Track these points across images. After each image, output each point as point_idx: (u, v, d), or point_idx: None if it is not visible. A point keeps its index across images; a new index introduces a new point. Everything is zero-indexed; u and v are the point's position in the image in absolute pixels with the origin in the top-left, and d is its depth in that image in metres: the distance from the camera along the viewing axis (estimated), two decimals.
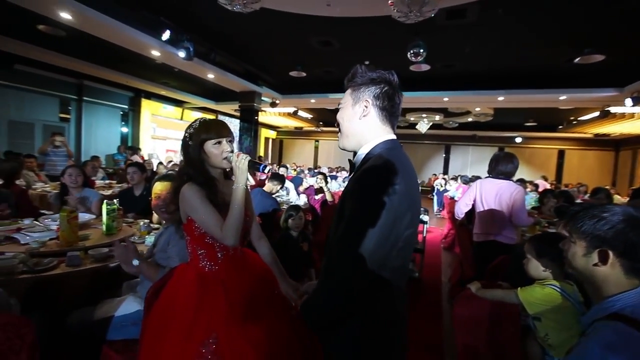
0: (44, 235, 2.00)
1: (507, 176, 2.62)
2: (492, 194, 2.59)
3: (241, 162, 1.18)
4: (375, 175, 0.82)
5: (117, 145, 8.56)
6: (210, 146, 1.24)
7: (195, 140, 1.24)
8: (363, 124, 0.94)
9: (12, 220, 2.36)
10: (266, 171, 1.21)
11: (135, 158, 6.97)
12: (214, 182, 1.27)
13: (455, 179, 9.24)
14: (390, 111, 0.94)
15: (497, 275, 1.89)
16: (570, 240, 0.87)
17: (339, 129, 1.00)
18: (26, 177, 4.42)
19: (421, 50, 5.18)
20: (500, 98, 7.34)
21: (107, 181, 5.28)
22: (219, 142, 1.24)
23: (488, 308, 1.47)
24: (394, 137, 0.95)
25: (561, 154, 13.34)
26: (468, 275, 3.09)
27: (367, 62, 1.03)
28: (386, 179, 0.80)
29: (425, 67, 6.29)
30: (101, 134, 8.53)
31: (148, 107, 9.59)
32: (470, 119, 10.59)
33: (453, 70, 6.71)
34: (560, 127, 11.32)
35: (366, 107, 0.92)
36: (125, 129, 9.39)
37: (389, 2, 3.91)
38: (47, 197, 3.76)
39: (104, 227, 2.21)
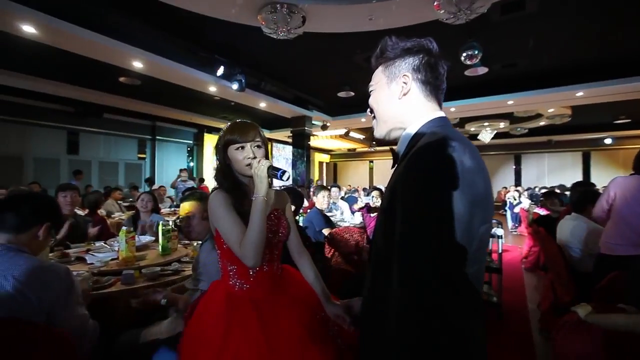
0: (107, 256, 2.11)
1: None
2: None
3: (260, 169, 1.03)
4: (435, 153, 0.62)
5: None
6: (233, 150, 1.12)
7: (221, 142, 1.15)
8: (404, 104, 0.78)
9: (87, 243, 2.59)
10: (284, 178, 1.05)
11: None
12: (243, 189, 1.15)
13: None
14: (435, 84, 0.78)
15: (609, 297, 1.45)
16: None
17: (373, 116, 0.85)
18: (107, 207, 4.97)
19: (476, 52, 4.79)
20: (579, 94, 6.39)
21: (174, 209, 5.69)
22: (242, 147, 1.11)
23: (602, 340, 1.09)
24: (443, 114, 0.77)
25: None
26: (563, 301, 2.52)
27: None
28: (450, 156, 0.60)
29: (483, 70, 5.81)
30: (171, 168, 9.43)
31: (210, 141, 10.42)
32: (542, 123, 9.42)
33: (516, 69, 6.08)
34: None
35: (405, 83, 0.77)
36: (191, 163, 10.29)
37: (434, 4, 3.72)
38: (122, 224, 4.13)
39: (159, 247, 2.28)
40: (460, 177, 0.58)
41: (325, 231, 3.24)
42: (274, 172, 1.04)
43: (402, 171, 0.67)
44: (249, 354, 0.96)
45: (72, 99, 6.94)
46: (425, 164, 0.62)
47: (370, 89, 0.84)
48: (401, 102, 0.78)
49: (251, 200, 1.08)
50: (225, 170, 1.15)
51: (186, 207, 1.62)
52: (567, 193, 5.35)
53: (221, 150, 1.15)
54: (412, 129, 0.76)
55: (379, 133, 0.84)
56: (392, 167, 0.82)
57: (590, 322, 1.08)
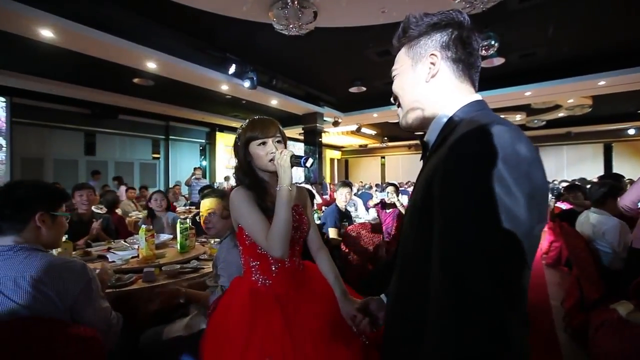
0: (127, 254, 2.14)
1: None
2: None
3: (282, 159, 1.03)
4: (483, 139, 0.52)
5: None
6: (254, 147, 1.12)
7: (241, 140, 1.15)
8: (433, 88, 0.69)
9: (108, 241, 2.63)
10: (308, 164, 1.03)
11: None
12: (264, 185, 1.15)
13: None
14: (468, 62, 0.68)
15: None
16: None
17: (398, 104, 0.76)
18: (123, 207, 5.06)
19: (492, 42, 4.66)
20: (601, 83, 6.14)
21: (188, 207, 5.77)
22: (264, 143, 1.12)
23: None
24: (479, 97, 0.68)
25: None
26: (591, 298, 2.42)
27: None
28: (502, 142, 0.50)
29: (499, 61, 5.64)
30: (185, 167, 9.56)
31: (222, 140, 10.51)
32: (561, 114, 9.13)
33: (534, 59, 5.89)
34: None
35: (433, 63, 0.68)
36: (204, 162, 10.41)
37: None
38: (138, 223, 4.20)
39: (178, 245, 2.29)
40: (515, 171, 0.49)
41: (332, 231, 3.20)
42: (296, 159, 1.03)
43: (439, 164, 0.57)
44: (273, 348, 0.96)
45: (89, 101, 7.10)
46: (472, 155, 0.52)
47: (393, 73, 0.75)
48: (429, 85, 0.69)
49: (272, 196, 1.08)
50: (245, 167, 1.16)
51: (207, 204, 1.62)
52: (588, 187, 5.16)
53: (242, 148, 1.15)
54: (444, 116, 0.67)
55: (405, 122, 0.75)
56: (421, 158, 0.74)
57: (632, 322, 1.01)
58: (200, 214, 1.65)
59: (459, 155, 0.54)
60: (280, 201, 1.02)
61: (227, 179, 9.18)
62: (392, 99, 0.78)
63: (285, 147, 1.17)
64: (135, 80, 5.94)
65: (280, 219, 1.01)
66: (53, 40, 4.03)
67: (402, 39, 0.73)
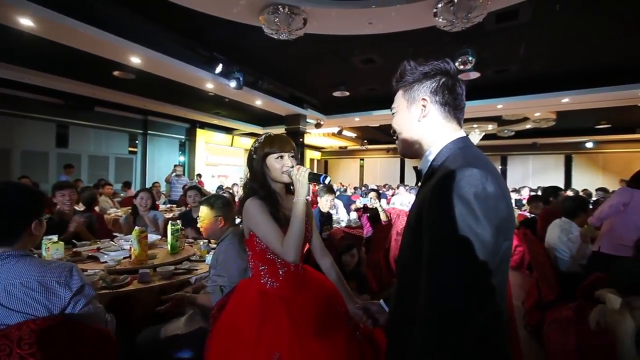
0: (119, 254, 2.16)
1: None
2: None
3: (301, 174, 1.17)
4: (459, 179, 0.66)
5: None
6: (272, 160, 1.25)
7: (259, 153, 1.27)
8: (424, 126, 0.83)
9: (93, 241, 2.61)
10: (326, 182, 1.18)
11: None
12: (276, 196, 1.27)
13: (516, 191, 8.57)
14: (454, 105, 0.82)
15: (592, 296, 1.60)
16: None
17: (396, 137, 0.90)
18: (101, 204, 4.93)
19: (470, 58, 4.96)
20: (565, 100, 6.67)
21: (169, 205, 5.70)
22: (281, 157, 1.25)
23: (591, 334, 1.23)
24: (463, 134, 0.83)
25: None
26: (547, 299, 2.71)
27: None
28: (474, 181, 0.65)
29: (475, 75, 5.99)
30: (163, 163, 9.36)
31: (202, 136, 10.35)
32: (529, 126, 9.76)
33: (507, 75, 6.30)
34: None
35: (424, 106, 0.82)
36: (182, 158, 10.21)
37: (432, 11, 3.84)
38: (119, 221, 4.12)
39: (168, 246, 2.34)
40: (484, 204, 0.64)
41: None
42: (315, 177, 1.16)
43: (427, 196, 0.72)
44: (281, 345, 1.08)
45: (62, 91, 6.77)
46: (451, 193, 0.66)
47: (392, 111, 0.90)
48: (421, 124, 0.83)
49: (282, 207, 1.22)
50: (261, 178, 1.27)
51: (204, 209, 1.71)
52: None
53: (259, 161, 1.26)
54: (433, 151, 0.82)
55: (402, 152, 0.90)
56: (416, 184, 0.91)
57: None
58: (199, 219, 1.74)
59: (440, 193, 0.69)
60: (296, 212, 1.15)
61: (199, 176, 9.08)
62: (391, 131, 0.93)
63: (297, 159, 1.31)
64: (116, 73, 5.77)
65: (296, 228, 1.13)
66: (32, 29, 3.86)
67: (399, 83, 0.88)
